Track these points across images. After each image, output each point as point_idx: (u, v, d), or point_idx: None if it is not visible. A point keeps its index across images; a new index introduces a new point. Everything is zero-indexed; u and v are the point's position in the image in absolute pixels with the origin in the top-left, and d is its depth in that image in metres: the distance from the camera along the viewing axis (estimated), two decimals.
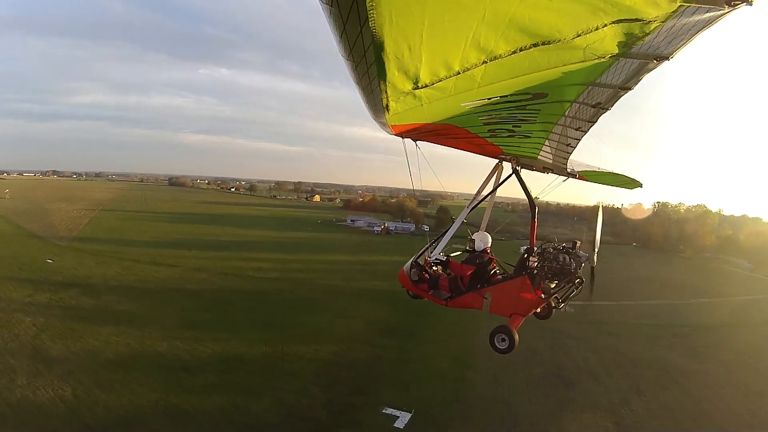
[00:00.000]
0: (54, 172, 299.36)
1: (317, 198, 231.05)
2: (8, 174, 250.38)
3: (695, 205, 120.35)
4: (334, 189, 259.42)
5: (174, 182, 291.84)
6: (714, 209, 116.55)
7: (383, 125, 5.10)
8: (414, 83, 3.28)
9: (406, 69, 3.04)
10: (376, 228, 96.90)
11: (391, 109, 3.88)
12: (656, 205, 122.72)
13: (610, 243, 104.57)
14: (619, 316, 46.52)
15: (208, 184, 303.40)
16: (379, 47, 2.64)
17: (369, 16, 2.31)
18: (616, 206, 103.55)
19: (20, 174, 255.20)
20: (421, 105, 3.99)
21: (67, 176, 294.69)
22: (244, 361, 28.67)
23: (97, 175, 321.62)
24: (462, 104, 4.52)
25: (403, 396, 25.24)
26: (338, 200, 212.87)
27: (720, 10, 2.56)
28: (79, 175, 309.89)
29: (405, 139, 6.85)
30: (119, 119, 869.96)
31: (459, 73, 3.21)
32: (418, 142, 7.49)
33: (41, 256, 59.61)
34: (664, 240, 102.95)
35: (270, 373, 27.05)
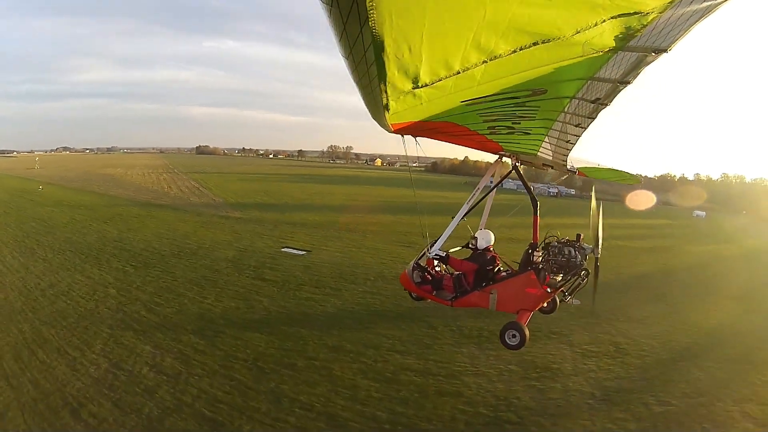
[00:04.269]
0: (64, 149, 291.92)
1: (378, 162, 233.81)
2: (18, 152, 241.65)
3: None
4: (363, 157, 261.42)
5: (203, 151, 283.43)
6: None
7: (383, 125, 4.98)
8: (414, 83, 3.30)
9: (406, 69, 3.07)
10: (551, 190, 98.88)
11: (391, 109, 3.88)
12: None
13: None
14: None
15: (244, 151, 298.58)
16: (379, 47, 2.66)
17: (369, 16, 2.30)
18: None
19: (30, 152, 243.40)
20: (421, 104, 4.01)
21: (79, 151, 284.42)
22: None
23: (109, 150, 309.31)
24: (461, 102, 4.58)
25: None
26: (398, 164, 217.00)
27: None
28: (91, 150, 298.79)
29: (405, 137, 6.85)
30: (124, 95, 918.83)
31: (459, 73, 3.26)
32: (417, 139, 7.36)
33: (253, 241, 34.24)
34: None
35: None
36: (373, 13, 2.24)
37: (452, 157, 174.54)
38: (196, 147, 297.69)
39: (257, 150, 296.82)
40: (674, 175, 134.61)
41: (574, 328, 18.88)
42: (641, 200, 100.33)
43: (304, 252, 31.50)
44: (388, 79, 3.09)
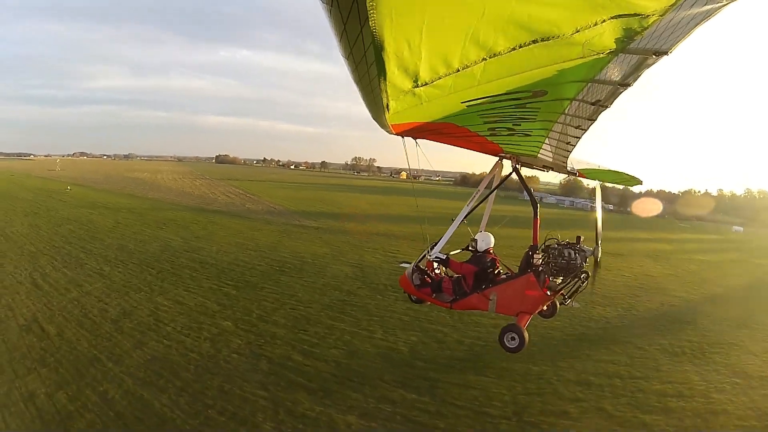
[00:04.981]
0: (82, 154, 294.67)
1: (404, 175, 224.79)
2: (35, 156, 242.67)
3: None
4: (384, 170, 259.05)
5: (222, 160, 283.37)
6: None
7: (383, 125, 4.95)
8: (414, 81, 3.25)
9: (406, 67, 3.01)
10: (591, 206, 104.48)
11: (391, 108, 3.81)
12: None
13: None
14: None
15: (264, 161, 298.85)
16: (379, 47, 2.61)
17: (369, 16, 2.27)
18: None
19: (47, 156, 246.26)
20: (421, 103, 3.93)
21: (96, 157, 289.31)
22: None
23: (126, 156, 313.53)
24: (461, 102, 4.52)
25: None
26: (422, 177, 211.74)
27: (719, 2, 2.60)
28: (109, 156, 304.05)
29: (405, 138, 6.88)
30: (140, 102, 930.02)
31: (458, 71, 3.21)
32: (418, 141, 7.46)
33: (361, 255, 28.82)
34: None
35: None
36: (373, 12, 2.24)
37: (480, 172, 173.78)
38: (216, 156, 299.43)
39: (278, 160, 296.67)
40: (698, 191, 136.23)
41: (741, 338, 18.05)
42: (647, 207, 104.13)
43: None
44: (388, 78, 3.07)
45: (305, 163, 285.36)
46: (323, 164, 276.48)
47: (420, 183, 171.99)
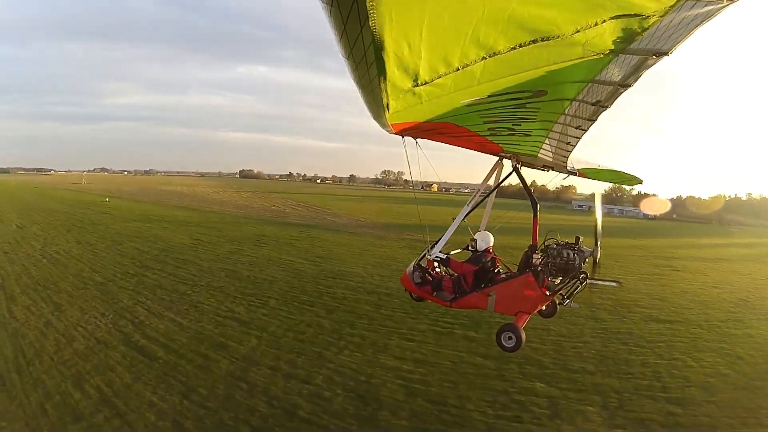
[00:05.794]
0: (102, 170, 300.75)
1: (434, 187, 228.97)
2: (55, 171, 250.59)
3: None
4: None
5: (246, 175, 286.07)
6: None
7: (383, 125, 5.08)
8: (414, 81, 3.32)
9: (406, 66, 3.07)
10: (644, 213, 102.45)
11: (391, 108, 3.92)
12: None
13: None
14: None
15: (290, 175, 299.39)
16: (379, 46, 2.67)
17: (369, 16, 2.31)
18: None
19: (67, 171, 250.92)
20: (421, 103, 4.04)
21: (117, 173, 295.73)
22: None
23: (147, 172, 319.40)
24: (462, 102, 4.58)
25: None
26: (452, 190, 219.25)
27: (719, 3, 2.60)
28: (129, 172, 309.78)
29: (405, 138, 6.95)
30: (159, 119, 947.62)
31: (458, 70, 3.25)
32: (418, 140, 7.54)
33: None
34: None
35: None
36: (373, 12, 2.23)
37: (515, 183, 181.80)
38: (240, 171, 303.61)
39: (303, 174, 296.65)
40: (727, 196, 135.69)
41: None
42: (654, 205, 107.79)
43: (615, 283, 20.08)
44: (388, 77, 3.07)
45: (332, 177, 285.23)
46: (351, 178, 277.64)
47: (450, 195, 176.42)
